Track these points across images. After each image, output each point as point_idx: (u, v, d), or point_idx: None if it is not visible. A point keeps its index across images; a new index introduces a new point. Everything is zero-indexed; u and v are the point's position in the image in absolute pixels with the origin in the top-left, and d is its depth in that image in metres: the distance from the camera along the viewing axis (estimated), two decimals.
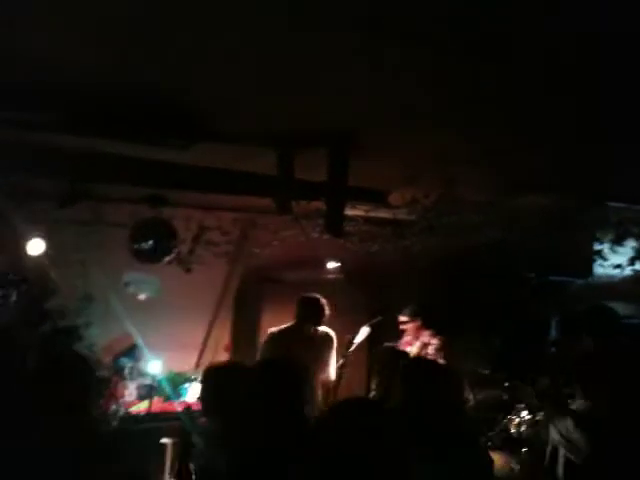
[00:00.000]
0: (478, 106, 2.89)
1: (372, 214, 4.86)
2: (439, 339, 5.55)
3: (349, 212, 4.39)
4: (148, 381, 5.42)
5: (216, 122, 3.22)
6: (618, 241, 4.89)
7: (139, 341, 5.28)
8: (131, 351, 5.45)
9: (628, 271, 5.03)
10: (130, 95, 2.86)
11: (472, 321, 6.10)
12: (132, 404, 5.29)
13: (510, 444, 4.71)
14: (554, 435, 3.42)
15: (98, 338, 5.15)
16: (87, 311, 5.15)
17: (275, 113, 3.13)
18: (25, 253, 4.67)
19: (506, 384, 5.25)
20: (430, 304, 5.86)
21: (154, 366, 5.42)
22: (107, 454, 2.63)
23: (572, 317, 5.20)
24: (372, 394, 4.31)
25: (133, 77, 2.63)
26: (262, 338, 6.36)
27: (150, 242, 4.54)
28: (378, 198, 4.71)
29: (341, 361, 5.27)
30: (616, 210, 4.87)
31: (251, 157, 3.80)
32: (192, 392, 5.57)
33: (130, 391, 5.37)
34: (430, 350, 5.52)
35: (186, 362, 6.09)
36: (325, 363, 5.20)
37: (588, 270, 5.91)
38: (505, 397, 5.18)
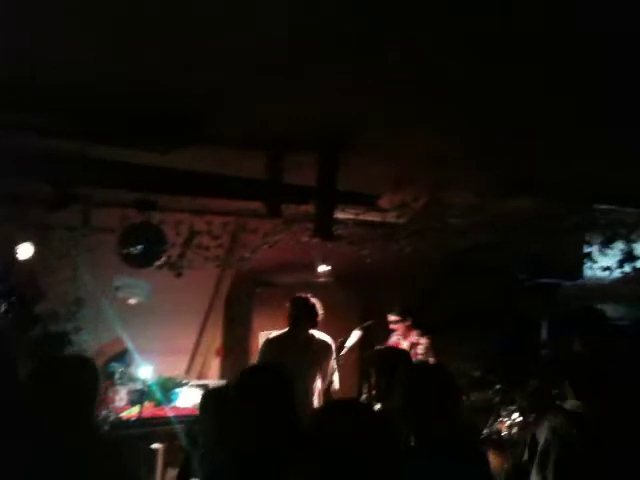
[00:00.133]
0: (465, 109, 2.90)
1: (362, 217, 4.87)
2: (428, 338, 5.59)
3: (339, 215, 4.40)
4: (139, 386, 5.39)
5: (206, 126, 3.22)
6: (607, 243, 4.90)
7: (130, 346, 5.27)
8: (122, 356, 5.44)
9: (617, 273, 5.04)
10: (117, 99, 2.86)
11: (463, 323, 6.13)
12: (123, 409, 5.27)
13: (501, 446, 4.72)
14: (546, 435, 3.43)
15: (89, 343, 5.14)
16: (78, 316, 5.14)
17: (264, 117, 3.13)
18: (15, 258, 4.67)
19: (497, 386, 5.27)
20: (420, 304, 5.90)
21: (145, 371, 5.40)
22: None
23: (561, 319, 5.22)
24: (364, 396, 4.33)
25: (119, 81, 2.63)
26: (254, 342, 6.39)
27: (139, 247, 4.53)
28: (367, 201, 4.72)
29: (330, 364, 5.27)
30: (604, 212, 4.90)
31: (240, 161, 3.80)
32: (183, 397, 5.57)
33: (121, 396, 5.35)
34: (419, 350, 5.56)
35: (177, 367, 6.08)
36: (324, 372, 5.18)
37: (578, 272, 5.94)
38: (496, 399, 5.20)
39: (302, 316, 5.14)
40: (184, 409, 5.40)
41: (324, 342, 5.20)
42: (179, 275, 5.01)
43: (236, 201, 4.51)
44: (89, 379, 2.67)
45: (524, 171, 4.15)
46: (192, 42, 2.19)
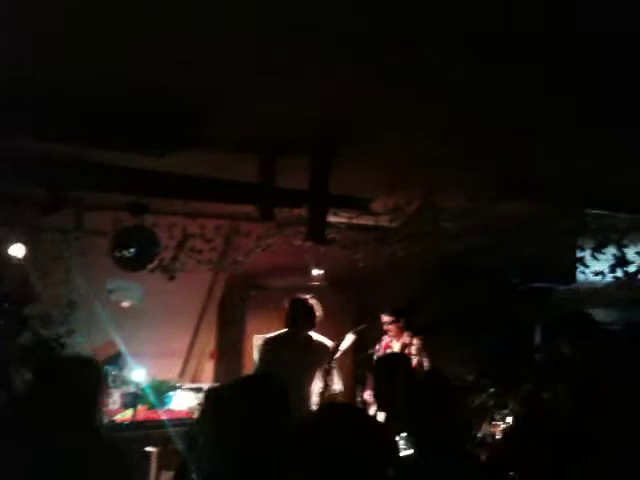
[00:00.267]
0: (464, 109, 2.91)
1: (355, 221, 4.88)
2: (420, 339, 5.61)
3: (332, 219, 4.41)
4: (132, 389, 5.39)
5: (204, 127, 3.23)
6: (599, 248, 4.92)
7: (123, 349, 5.25)
8: (115, 359, 5.42)
9: (609, 278, 5.06)
10: (116, 99, 2.86)
11: (456, 326, 6.14)
12: (116, 412, 5.26)
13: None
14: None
15: (82, 346, 5.13)
16: (70, 318, 5.13)
17: (257, 121, 3.14)
18: (8, 263, 4.67)
19: (491, 390, 5.28)
20: (412, 305, 5.92)
21: (138, 374, 5.39)
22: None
23: (553, 324, 5.24)
24: (359, 399, 4.35)
25: (119, 81, 2.63)
26: (247, 345, 6.39)
27: (132, 250, 4.52)
28: (360, 205, 4.73)
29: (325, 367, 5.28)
30: (596, 217, 4.92)
31: (236, 164, 3.81)
32: (176, 400, 5.56)
33: (114, 399, 5.34)
34: (412, 350, 5.57)
35: (171, 370, 6.07)
36: (322, 373, 5.19)
37: (571, 277, 5.96)
38: (490, 403, 5.20)
39: (300, 317, 5.14)
40: (178, 412, 5.40)
41: (323, 343, 5.21)
42: (172, 278, 5.00)
43: (229, 204, 4.51)
44: (91, 379, 2.67)
45: (519, 173, 4.16)
46: (192, 42, 2.18)
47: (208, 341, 6.47)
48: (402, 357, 4.86)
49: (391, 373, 3.93)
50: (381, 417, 4.07)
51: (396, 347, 5.70)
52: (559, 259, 5.85)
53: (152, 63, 2.39)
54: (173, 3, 1.91)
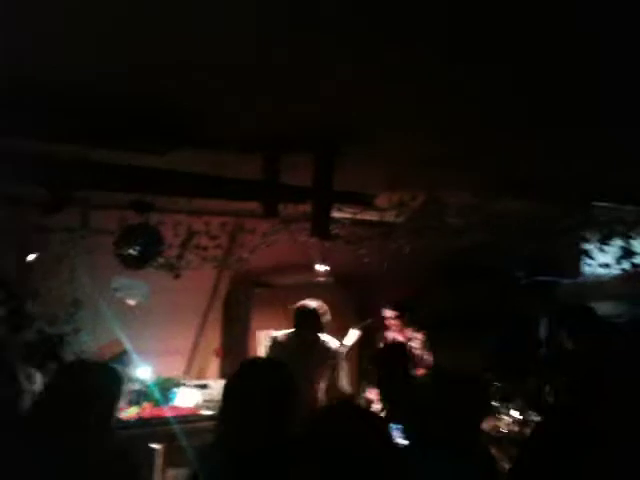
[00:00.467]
0: (464, 108, 2.90)
1: (359, 216, 4.87)
2: (423, 334, 5.61)
3: (336, 215, 4.40)
4: (138, 386, 5.40)
5: (205, 126, 3.22)
6: (605, 240, 4.91)
7: (128, 347, 5.27)
8: (121, 357, 5.43)
9: (616, 270, 5.05)
10: (116, 99, 2.86)
11: (460, 321, 6.13)
12: (122, 410, 5.27)
13: (500, 443, 4.73)
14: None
15: (87, 344, 5.15)
16: (76, 317, 5.14)
17: (261, 118, 3.13)
18: (13, 262, 4.69)
19: (496, 384, 5.27)
20: (415, 299, 5.92)
21: (143, 371, 5.42)
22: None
23: (556, 317, 5.23)
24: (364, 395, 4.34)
25: (119, 81, 2.63)
26: (252, 342, 6.40)
27: (137, 248, 4.52)
28: (365, 201, 4.73)
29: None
30: (602, 210, 4.91)
31: (238, 163, 3.81)
32: (181, 397, 5.57)
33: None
34: (415, 345, 5.57)
35: (176, 367, 6.09)
36: (330, 374, 5.20)
37: (576, 270, 5.95)
38: (495, 397, 5.20)
39: (306, 325, 5.14)
40: (183, 409, 5.41)
41: (330, 344, 5.22)
42: (177, 276, 5.01)
43: (233, 202, 4.51)
44: (115, 383, 2.73)
45: (522, 171, 4.15)
46: (192, 42, 2.18)
47: (213, 338, 6.48)
48: (401, 348, 4.85)
49: (391, 364, 3.93)
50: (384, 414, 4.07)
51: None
52: (564, 253, 5.85)
53: (152, 63, 2.39)
54: (173, 3, 1.90)
